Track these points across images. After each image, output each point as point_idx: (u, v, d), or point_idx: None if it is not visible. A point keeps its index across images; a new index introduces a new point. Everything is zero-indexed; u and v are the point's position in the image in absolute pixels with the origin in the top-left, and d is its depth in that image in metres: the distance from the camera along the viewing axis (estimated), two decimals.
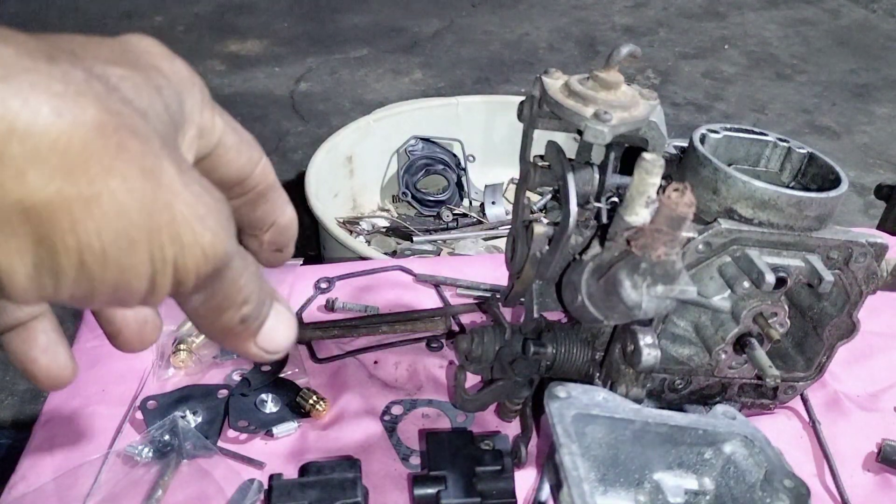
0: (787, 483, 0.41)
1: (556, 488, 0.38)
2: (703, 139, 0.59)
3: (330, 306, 0.80)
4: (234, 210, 0.28)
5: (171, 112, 0.23)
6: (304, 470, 0.59)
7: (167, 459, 0.60)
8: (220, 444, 0.64)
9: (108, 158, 0.19)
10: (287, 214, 0.30)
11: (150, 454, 0.60)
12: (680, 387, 0.62)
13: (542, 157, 0.56)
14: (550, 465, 0.39)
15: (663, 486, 0.44)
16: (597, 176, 0.55)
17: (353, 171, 1.70)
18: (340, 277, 0.84)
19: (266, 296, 0.25)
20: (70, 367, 0.27)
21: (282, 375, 0.70)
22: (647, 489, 0.44)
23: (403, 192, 1.74)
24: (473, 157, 1.81)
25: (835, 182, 0.58)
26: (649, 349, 0.48)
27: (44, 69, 0.18)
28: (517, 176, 0.58)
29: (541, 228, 0.54)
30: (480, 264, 0.87)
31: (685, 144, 0.60)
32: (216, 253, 0.21)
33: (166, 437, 0.61)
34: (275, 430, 0.64)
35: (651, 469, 0.44)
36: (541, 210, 0.59)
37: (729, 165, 0.58)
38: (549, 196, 0.59)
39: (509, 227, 0.60)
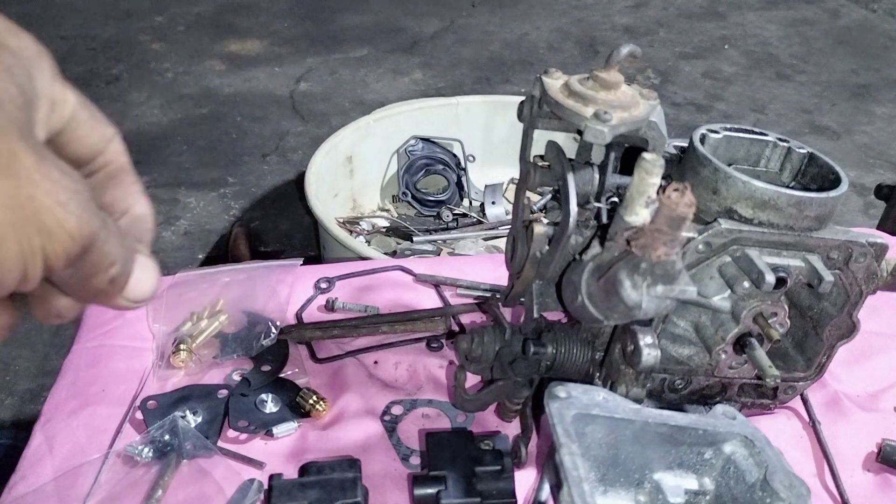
0: (787, 483, 0.41)
1: (557, 488, 0.38)
2: (703, 139, 0.59)
3: (330, 306, 0.80)
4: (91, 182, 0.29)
5: (24, 91, 0.23)
6: (304, 470, 0.59)
7: (167, 459, 0.60)
8: (220, 444, 0.64)
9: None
10: (141, 205, 0.30)
11: (151, 454, 0.60)
12: (680, 387, 0.62)
13: (542, 157, 0.56)
14: (550, 465, 0.39)
15: (663, 486, 0.44)
16: (597, 176, 0.55)
17: (353, 171, 1.70)
18: (340, 277, 0.84)
19: (130, 252, 0.26)
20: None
21: (282, 375, 0.70)
22: (648, 489, 0.44)
23: (403, 192, 1.74)
24: (473, 157, 1.81)
25: (835, 182, 0.57)
26: (649, 349, 0.48)
27: None
28: (517, 176, 0.58)
29: (541, 228, 0.54)
30: (480, 264, 0.87)
31: (685, 144, 0.60)
32: (82, 234, 0.23)
33: (166, 437, 0.61)
34: (275, 430, 0.64)
35: (651, 469, 0.44)
36: (541, 210, 0.59)
37: (729, 165, 0.58)
38: (549, 196, 0.59)
39: (509, 227, 0.60)
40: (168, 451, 0.61)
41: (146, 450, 0.61)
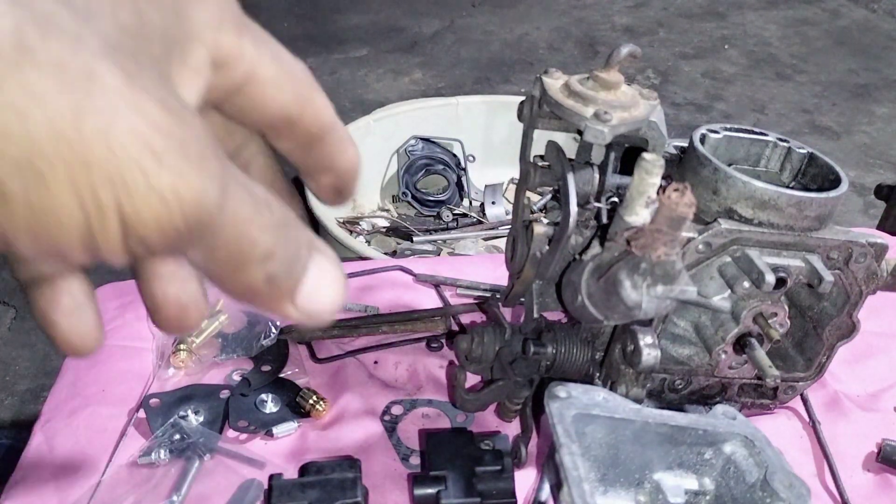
0: (787, 483, 0.41)
1: (557, 488, 0.38)
2: (703, 139, 0.59)
3: None
4: (283, 153, 0.23)
5: (148, 19, 0.18)
6: (304, 470, 0.59)
7: (187, 458, 0.60)
8: (220, 444, 0.64)
9: (4, 64, 0.14)
10: (348, 156, 0.25)
11: (166, 456, 0.60)
12: (680, 387, 0.62)
13: (542, 157, 0.56)
14: (550, 465, 0.39)
15: (663, 486, 0.44)
16: (597, 176, 0.55)
17: None
18: None
19: (301, 247, 0.20)
20: (93, 336, 0.22)
21: (282, 375, 0.70)
22: (648, 489, 0.44)
23: (403, 192, 1.74)
24: (473, 157, 1.81)
25: (835, 182, 0.57)
26: (649, 349, 0.48)
27: None
28: (517, 176, 0.58)
29: (541, 228, 0.54)
30: (480, 264, 0.87)
31: (685, 144, 0.60)
32: (183, 200, 0.16)
33: (176, 437, 0.61)
34: (275, 430, 0.64)
35: (651, 469, 0.44)
36: (541, 210, 0.59)
37: (729, 165, 0.58)
38: (549, 196, 0.59)
39: (509, 227, 0.60)
40: (184, 449, 0.61)
41: (162, 452, 0.60)
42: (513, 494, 0.58)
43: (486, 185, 1.79)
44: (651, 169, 0.40)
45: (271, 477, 0.58)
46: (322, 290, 0.21)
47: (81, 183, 0.15)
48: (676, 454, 0.44)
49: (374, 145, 1.72)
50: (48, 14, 0.15)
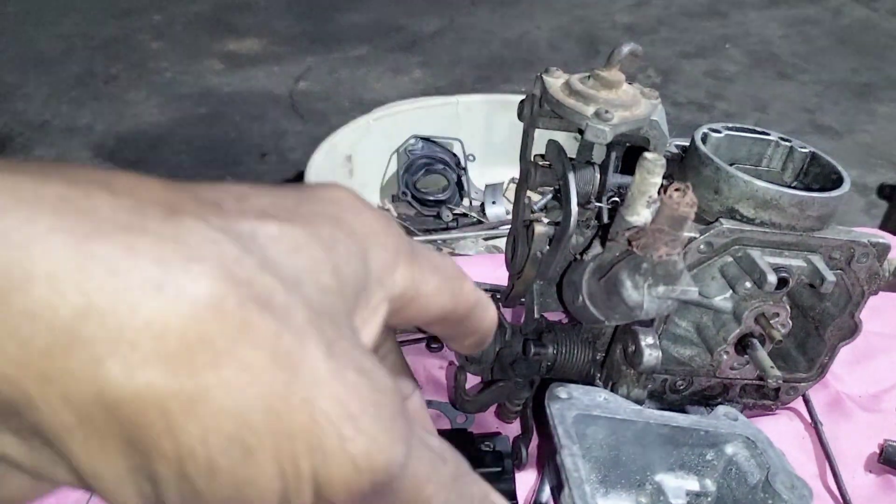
0: (789, 484, 0.40)
1: (558, 490, 0.38)
2: (704, 138, 0.59)
3: None
4: (433, 329, 0.24)
5: (343, 275, 0.18)
6: None
7: None
8: None
9: (225, 341, 0.14)
10: (489, 320, 0.25)
11: None
12: (681, 388, 0.62)
13: (542, 156, 0.56)
14: (551, 467, 0.39)
15: (665, 487, 0.44)
16: (598, 175, 0.54)
17: (352, 170, 1.70)
18: None
19: (475, 500, 0.20)
20: None
21: None
22: (649, 490, 0.44)
23: (403, 192, 1.73)
24: (473, 157, 1.81)
25: (837, 182, 0.57)
26: (650, 350, 0.48)
27: (151, 227, 0.14)
28: (517, 175, 0.57)
29: (541, 228, 0.54)
30: (480, 264, 0.86)
31: (687, 144, 0.59)
32: (373, 465, 0.16)
33: None
34: None
35: (652, 470, 0.44)
36: (541, 210, 0.59)
37: (731, 165, 0.58)
38: (550, 196, 0.59)
39: (509, 226, 0.59)
40: None
41: None
42: (513, 496, 0.57)
43: (486, 185, 1.78)
44: (652, 168, 0.40)
45: None
46: None
47: (285, 454, 0.15)
48: (678, 455, 0.43)
49: (373, 145, 1.72)
50: (266, 290, 0.15)
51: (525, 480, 0.60)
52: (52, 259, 0.13)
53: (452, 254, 1.56)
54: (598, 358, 0.58)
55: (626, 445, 0.43)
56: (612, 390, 0.52)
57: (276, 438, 0.15)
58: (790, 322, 0.57)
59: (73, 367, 0.14)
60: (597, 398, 0.42)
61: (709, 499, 0.44)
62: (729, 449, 0.43)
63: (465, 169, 1.78)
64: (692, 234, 0.53)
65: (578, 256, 0.51)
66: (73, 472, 0.15)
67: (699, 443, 0.43)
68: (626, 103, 0.48)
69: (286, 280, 0.16)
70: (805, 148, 0.62)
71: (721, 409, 0.45)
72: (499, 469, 0.58)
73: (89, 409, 0.14)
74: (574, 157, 0.55)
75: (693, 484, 0.44)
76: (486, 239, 1.63)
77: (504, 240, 0.83)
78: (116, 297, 0.14)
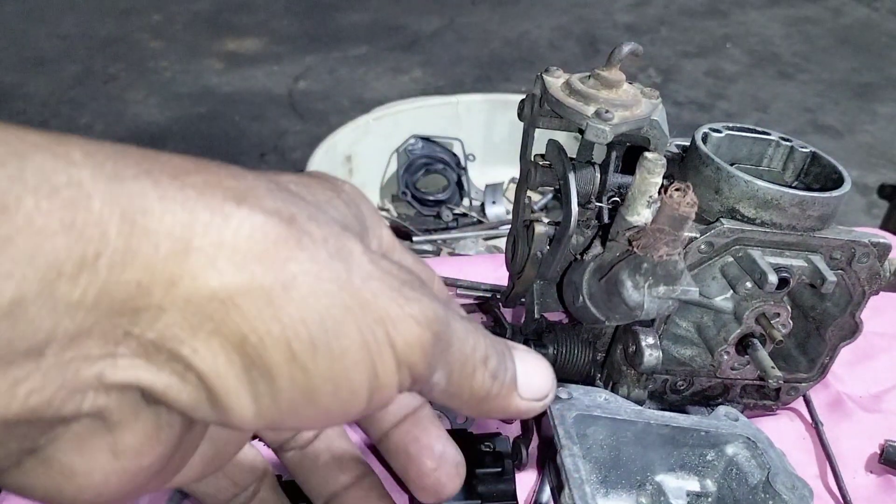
0: (790, 485, 0.40)
1: (558, 490, 0.38)
2: (705, 138, 0.59)
3: None
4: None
5: (357, 217, 0.23)
6: None
7: None
8: None
9: (294, 242, 0.18)
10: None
11: None
12: (682, 388, 0.62)
13: (542, 156, 0.56)
14: (552, 467, 0.39)
15: (665, 487, 0.43)
16: (598, 175, 0.54)
17: (352, 170, 1.70)
18: None
19: (501, 345, 0.24)
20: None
21: None
22: (649, 491, 0.44)
23: (403, 192, 1.73)
24: (473, 157, 1.81)
25: (838, 181, 0.57)
26: (651, 350, 0.48)
27: (227, 183, 0.19)
28: (517, 175, 0.57)
29: (541, 228, 0.54)
30: (480, 264, 0.86)
31: (687, 143, 0.59)
32: (429, 319, 0.20)
33: None
34: None
35: (653, 471, 0.43)
36: (541, 209, 0.59)
37: (731, 165, 0.58)
38: (550, 195, 0.58)
39: (509, 226, 0.59)
40: None
41: None
42: (514, 496, 0.57)
43: (486, 185, 1.78)
44: (653, 168, 0.40)
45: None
46: (534, 376, 0.24)
47: (364, 324, 0.19)
48: (678, 456, 0.43)
49: (373, 144, 1.72)
50: (310, 213, 0.20)
51: (525, 481, 0.60)
52: (167, 204, 0.18)
53: (452, 254, 1.56)
54: (598, 358, 0.58)
55: (627, 446, 0.42)
56: (612, 390, 0.52)
57: (353, 313, 0.19)
58: (791, 322, 0.57)
59: (191, 268, 0.17)
60: (597, 398, 0.42)
61: (709, 499, 0.44)
62: (729, 449, 0.43)
63: (465, 169, 1.78)
64: (693, 234, 0.53)
65: (579, 256, 0.51)
66: (199, 384, 0.18)
67: (700, 443, 0.43)
68: (626, 103, 0.48)
69: (321, 210, 0.21)
70: (806, 148, 0.61)
71: (722, 410, 0.45)
72: (499, 469, 0.58)
73: (206, 306, 0.17)
74: (574, 156, 0.55)
75: (693, 484, 0.44)
76: (486, 239, 1.63)
77: (504, 240, 0.83)
78: (213, 218, 0.18)
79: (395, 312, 0.19)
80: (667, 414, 0.43)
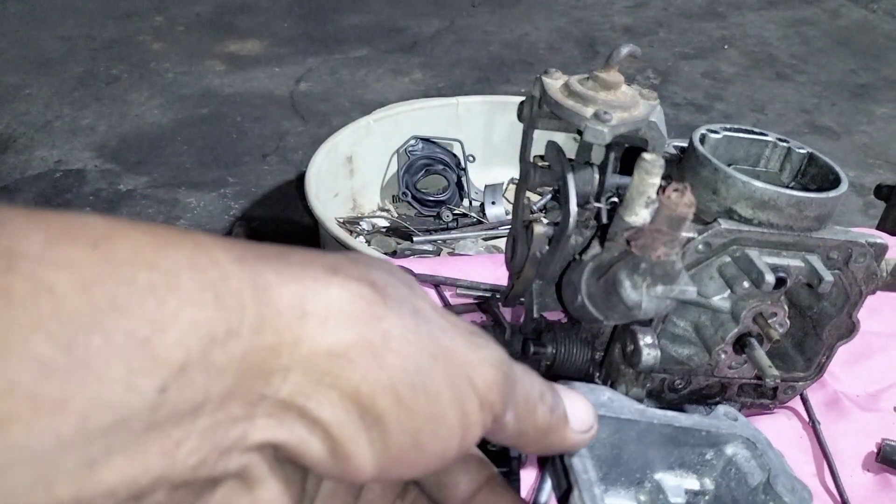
0: (789, 487, 0.40)
1: (566, 491, 0.38)
2: (702, 139, 0.59)
3: None
4: None
5: (403, 280, 0.26)
6: None
7: None
8: None
9: (382, 303, 0.21)
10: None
11: None
12: (680, 387, 0.62)
13: (542, 157, 0.56)
14: (553, 467, 0.39)
15: (664, 485, 0.44)
16: (597, 176, 0.55)
17: (353, 171, 1.70)
18: None
19: (550, 384, 0.27)
20: None
21: None
22: (648, 488, 0.44)
23: (403, 192, 1.74)
24: (473, 157, 1.81)
25: (834, 182, 0.58)
26: (649, 349, 0.49)
27: (319, 260, 0.22)
28: (517, 176, 0.58)
29: (541, 228, 0.54)
30: (480, 264, 0.87)
31: (685, 144, 0.60)
32: (499, 361, 0.23)
33: None
34: None
35: (652, 469, 0.44)
36: (541, 210, 0.59)
37: (729, 166, 0.58)
38: (549, 196, 0.59)
39: (509, 227, 0.60)
40: None
41: None
42: (518, 497, 0.58)
43: (486, 185, 1.79)
44: (651, 169, 0.40)
45: None
46: (580, 410, 0.28)
47: (449, 369, 0.22)
48: (678, 455, 0.44)
49: (373, 145, 1.72)
50: (383, 282, 0.23)
51: (525, 480, 0.60)
52: (283, 278, 0.20)
53: (452, 254, 1.57)
54: (597, 357, 0.58)
55: (629, 444, 0.43)
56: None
57: (439, 360, 0.21)
58: (788, 322, 0.57)
59: (309, 330, 0.20)
60: (601, 397, 0.42)
61: (707, 497, 0.44)
62: (729, 449, 0.43)
63: (464, 169, 1.78)
64: (690, 235, 0.53)
65: (577, 256, 0.51)
66: (324, 436, 0.20)
67: (700, 443, 0.43)
68: (624, 104, 0.48)
69: (389, 282, 0.23)
70: (803, 148, 0.62)
71: (721, 409, 0.45)
72: (506, 470, 0.58)
73: (324, 362, 0.20)
74: (573, 157, 0.55)
75: (692, 482, 0.44)
76: (485, 239, 1.64)
77: (504, 240, 0.84)
78: (318, 286, 0.20)
79: (472, 357, 0.22)
80: (669, 413, 0.43)
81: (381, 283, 0.22)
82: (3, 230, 0.16)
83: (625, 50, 0.49)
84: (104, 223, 0.18)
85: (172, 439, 0.18)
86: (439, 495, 0.30)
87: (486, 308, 0.80)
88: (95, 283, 0.17)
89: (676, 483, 0.44)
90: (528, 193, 0.57)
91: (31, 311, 0.16)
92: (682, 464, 0.44)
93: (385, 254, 1.50)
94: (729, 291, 0.55)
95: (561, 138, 0.55)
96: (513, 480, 0.58)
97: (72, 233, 0.17)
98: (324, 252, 0.23)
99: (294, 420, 0.20)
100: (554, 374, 0.59)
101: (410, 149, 1.75)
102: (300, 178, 1.55)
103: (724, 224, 0.54)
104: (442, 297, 0.82)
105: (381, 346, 0.20)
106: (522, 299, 0.60)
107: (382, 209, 1.77)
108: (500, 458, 0.59)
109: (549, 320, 0.61)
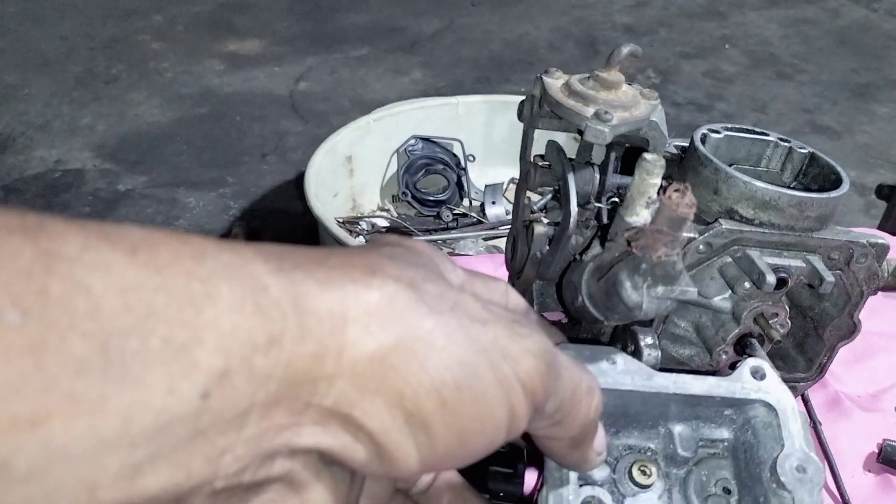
0: (800, 468, 0.38)
1: (539, 487, 0.37)
2: (703, 139, 0.59)
3: None
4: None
5: (432, 261, 0.26)
6: None
7: None
8: None
9: (420, 302, 0.21)
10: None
11: None
12: None
13: (542, 156, 0.56)
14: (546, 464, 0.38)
15: (676, 435, 0.42)
16: (597, 176, 0.54)
17: (352, 170, 1.70)
18: None
19: (595, 380, 0.27)
20: None
21: None
22: (662, 433, 0.42)
23: (403, 192, 1.74)
24: (473, 157, 1.81)
25: (836, 182, 0.57)
26: (650, 350, 0.48)
27: (357, 260, 0.22)
28: (517, 176, 0.57)
29: (541, 228, 0.54)
30: (480, 264, 0.87)
31: (686, 144, 0.59)
32: (542, 351, 0.23)
33: None
34: None
35: (666, 419, 0.42)
36: (541, 210, 0.59)
37: (730, 165, 0.58)
38: (550, 196, 0.59)
39: (509, 227, 0.60)
40: None
41: None
42: (520, 499, 0.57)
43: (486, 185, 1.79)
44: (652, 169, 0.40)
45: None
46: (599, 436, 0.28)
47: (492, 363, 0.21)
48: (692, 413, 0.42)
49: (373, 145, 1.72)
50: (414, 270, 0.23)
51: (525, 480, 0.60)
52: (322, 286, 0.21)
53: (452, 254, 1.56)
54: None
55: (635, 406, 0.41)
56: None
57: (483, 355, 0.21)
58: (789, 322, 0.57)
59: (351, 337, 0.20)
60: (603, 364, 0.40)
61: (724, 443, 0.42)
62: (749, 411, 0.41)
63: (464, 169, 1.78)
64: (691, 235, 0.53)
65: (578, 257, 0.51)
66: (370, 442, 0.20)
67: (715, 404, 0.41)
68: (625, 104, 0.48)
69: (419, 266, 0.23)
70: (804, 148, 0.62)
71: (749, 365, 0.42)
72: (511, 471, 0.58)
73: (368, 368, 0.20)
74: (574, 157, 0.55)
75: (708, 432, 0.42)
76: (486, 239, 1.64)
77: (504, 240, 0.83)
78: (357, 290, 0.20)
79: (514, 349, 0.22)
80: (680, 378, 0.41)
81: (418, 279, 0.22)
82: (42, 233, 0.16)
83: (626, 49, 0.48)
84: (142, 231, 0.18)
85: (217, 447, 0.18)
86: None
87: None
88: (132, 287, 0.17)
89: (690, 434, 0.42)
90: (529, 193, 0.57)
91: (68, 311, 0.16)
92: (698, 417, 0.42)
93: None
94: (730, 292, 0.55)
95: (561, 138, 0.55)
96: (515, 483, 0.58)
97: (110, 238, 0.17)
98: (360, 248, 0.23)
99: (339, 427, 0.20)
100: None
101: (410, 148, 1.75)
102: (300, 178, 1.55)
103: (726, 224, 0.54)
104: None
105: (422, 348, 0.20)
106: None
107: (382, 209, 1.77)
108: (508, 459, 0.59)
109: (550, 320, 0.60)
